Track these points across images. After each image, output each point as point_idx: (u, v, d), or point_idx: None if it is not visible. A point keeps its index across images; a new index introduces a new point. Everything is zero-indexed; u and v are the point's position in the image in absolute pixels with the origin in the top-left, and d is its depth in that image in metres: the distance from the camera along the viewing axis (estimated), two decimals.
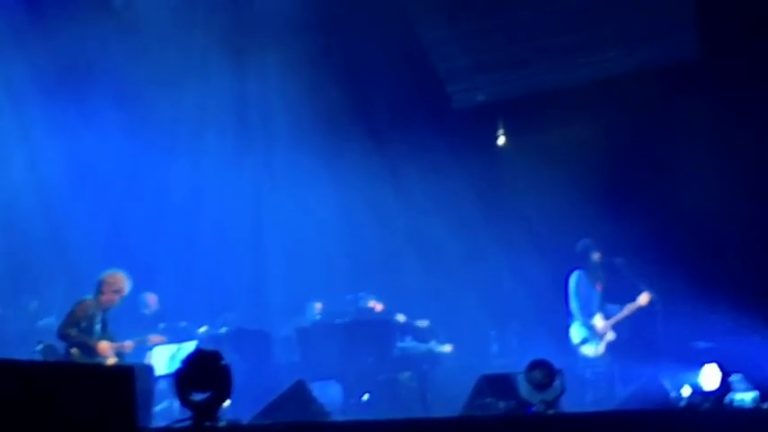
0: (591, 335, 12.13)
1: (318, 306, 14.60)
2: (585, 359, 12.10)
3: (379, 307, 14.02)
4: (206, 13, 14.73)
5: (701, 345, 12.39)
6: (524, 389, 8.88)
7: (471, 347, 14.24)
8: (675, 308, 12.11)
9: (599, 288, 12.33)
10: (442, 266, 15.45)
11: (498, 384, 9.48)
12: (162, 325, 13.14)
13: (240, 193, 15.80)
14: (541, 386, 8.80)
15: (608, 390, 11.75)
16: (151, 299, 13.31)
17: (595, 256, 12.31)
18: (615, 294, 12.31)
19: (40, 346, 10.87)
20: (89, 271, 11.52)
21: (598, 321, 12.11)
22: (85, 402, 4.87)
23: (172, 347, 11.90)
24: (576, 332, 12.25)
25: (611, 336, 12.08)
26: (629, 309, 12.08)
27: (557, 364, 8.99)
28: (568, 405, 9.23)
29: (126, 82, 14.47)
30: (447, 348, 13.72)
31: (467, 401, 9.56)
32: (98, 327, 10.73)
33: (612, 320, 12.11)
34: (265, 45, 15.17)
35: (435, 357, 13.48)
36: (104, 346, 10.67)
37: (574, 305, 12.32)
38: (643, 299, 11.98)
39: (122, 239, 14.45)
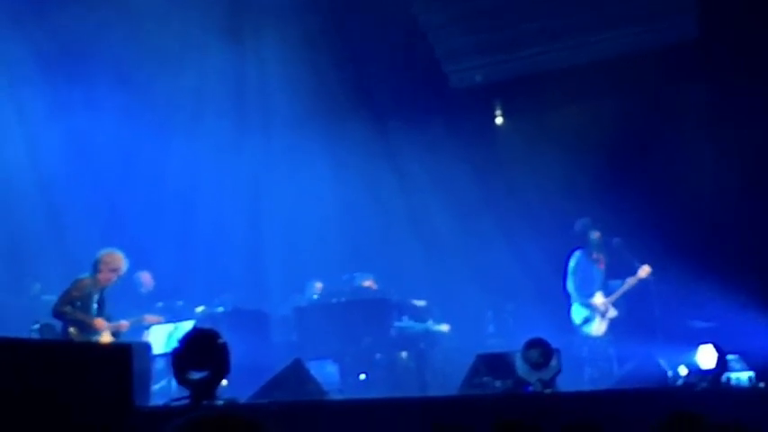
0: (592, 314, 12.14)
1: (319, 286, 14.62)
2: (587, 338, 12.10)
3: (373, 286, 14.03)
4: None
5: (698, 324, 12.42)
6: (521, 368, 8.92)
7: (468, 327, 14.27)
8: (672, 287, 12.13)
9: (601, 266, 12.34)
10: (439, 246, 15.47)
11: (495, 363, 9.51)
12: (159, 304, 13.17)
13: (238, 173, 15.79)
14: (538, 365, 8.84)
15: (606, 368, 11.77)
16: (146, 277, 13.32)
17: (595, 234, 12.31)
18: (613, 274, 12.34)
19: (36, 326, 10.87)
20: (87, 251, 11.51)
21: (597, 299, 12.11)
22: (82, 380, 4.88)
23: (169, 327, 11.92)
24: (577, 312, 12.26)
25: (612, 312, 12.09)
26: (629, 282, 12.06)
27: (553, 343, 9.03)
28: (565, 384, 9.27)
29: (124, 63, 14.42)
30: (444, 328, 13.76)
31: (463, 380, 9.59)
32: (95, 306, 10.73)
33: (613, 297, 12.12)
34: (263, 26, 15.12)
35: (432, 337, 13.51)
36: (100, 321, 10.68)
37: (571, 285, 12.33)
38: (644, 271, 11.94)
39: (120, 220, 14.45)
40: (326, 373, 11.02)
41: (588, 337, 12.10)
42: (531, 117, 16.41)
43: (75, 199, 14.24)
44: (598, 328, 12.10)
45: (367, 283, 14.03)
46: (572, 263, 12.41)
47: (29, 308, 13.40)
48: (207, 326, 9.83)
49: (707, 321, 12.40)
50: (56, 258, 13.99)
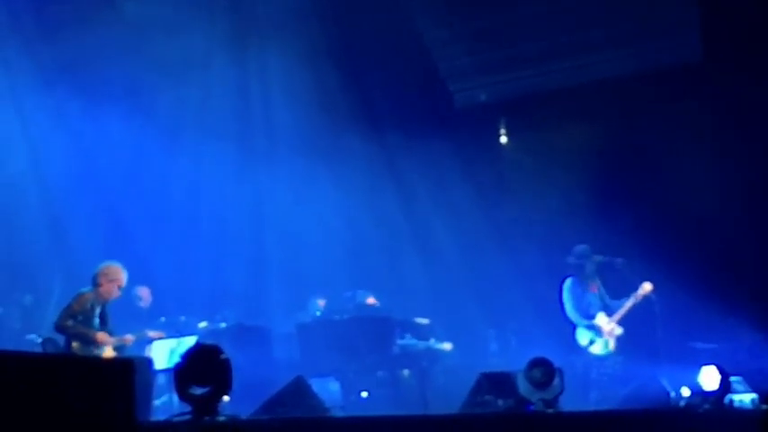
0: (596, 334, 12.07)
1: (322, 303, 14.58)
2: (595, 358, 12.02)
3: (375, 303, 14.00)
4: (208, 7, 14.72)
5: (701, 345, 12.38)
6: (523, 387, 8.87)
7: (470, 345, 14.23)
8: (675, 308, 12.08)
9: (594, 291, 12.28)
10: (442, 264, 15.46)
11: (497, 382, 9.46)
12: (162, 319, 13.14)
13: (241, 188, 15.79)
14: (541, 385, 8.79)
15: (612, 389, 11.69)
16: (144, 292, 13.26)
17: (596, 258, 12.25)
18: (617, 295, 12.29)
19: (39, 339, 10.85)
20: (88, 265, 11.48)
21: (601, 320, 12.04)
22: (85, 395, 4.86)
23: (172, 342, 11.88)
24: (582, 335, 12.19)
25: (618, 330, 12.02)
26: (633, 300, 11.98)
27: (557, 362, 8.99)
28: (568, 404, 9.23)
29: (128, 75, 14.46)
30: (446, 346, 13.71)
31: (466, 399, 9.54)
32: (96, 320, 10.69)
33: (617, 315, 12.04)
34: (267, 42, 15.16)
35: (435, 355, 13.48)
36: (103, 335, 10.65)
37: (571, 312, 12.25)
38: (647, 287, 11.87)
39: (122, 233, 14.43)
40: (328, 391, 10.99)
41: (596, 358, 12.03)
42: (535, 136, 16.42)
43: (77, 212, 14.23)
44: (607, 346, 12.03)
45: (370, 301, 13.99)
46: (565, 291, 12.34)
47: (21, 319, 13.40)
48: (209, 341, 9.80)
49: (710, 342, 12.36)
50: (57, 271, 13.98)
